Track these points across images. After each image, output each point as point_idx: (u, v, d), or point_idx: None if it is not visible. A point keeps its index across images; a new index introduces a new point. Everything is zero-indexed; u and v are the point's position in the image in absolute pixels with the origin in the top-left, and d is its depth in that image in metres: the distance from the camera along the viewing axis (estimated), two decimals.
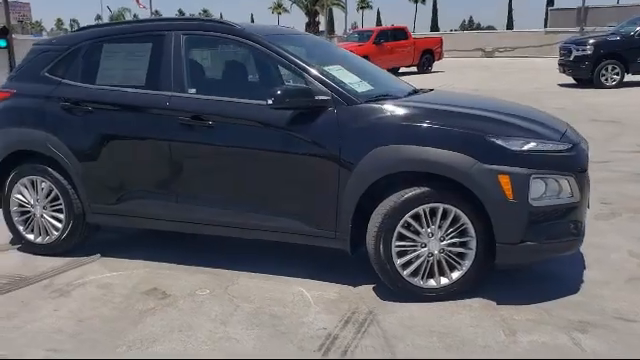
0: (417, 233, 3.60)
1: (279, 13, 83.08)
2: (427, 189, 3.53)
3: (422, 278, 3.65)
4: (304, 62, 3.94)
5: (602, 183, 5.94)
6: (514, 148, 3.46)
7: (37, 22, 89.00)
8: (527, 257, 3.61)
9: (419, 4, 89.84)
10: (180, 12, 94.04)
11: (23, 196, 4.58)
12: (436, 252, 3.61)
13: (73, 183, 4.40)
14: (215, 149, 4.00)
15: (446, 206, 3.54)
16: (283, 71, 4.36)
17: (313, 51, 4.33)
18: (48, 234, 4.56)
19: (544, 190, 3.47)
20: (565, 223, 3.57)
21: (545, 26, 52.41)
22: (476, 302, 3.63)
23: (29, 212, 4.60)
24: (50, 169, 4.45)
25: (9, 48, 12.92)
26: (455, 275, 3.64)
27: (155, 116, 4.13)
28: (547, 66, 24.01)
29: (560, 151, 3.58)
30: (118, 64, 4.49)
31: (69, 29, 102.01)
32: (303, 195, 3.83)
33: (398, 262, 3.62)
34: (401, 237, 3.60)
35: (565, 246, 3.63)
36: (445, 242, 3.60)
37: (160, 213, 4.21)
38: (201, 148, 4.03)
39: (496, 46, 33.29)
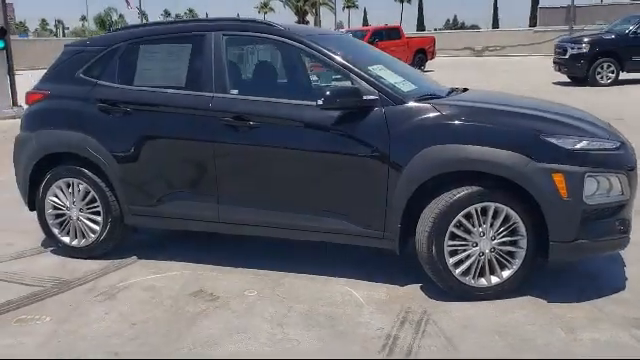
0: (469, 232, 3.62)
1: (265, 12, 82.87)
2: (479, 188, 3.55)
3: (473, 277, 3.66)
4: (349, 62, 3.94)
5: None
6: (567, 146, 3.49)
7: (21, 22, 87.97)
8: (578, 255, 3.65)
9: (405, 3, 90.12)
10: (166, 12, 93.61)
11: (58, 199, 4.53)
12: (487, 251, 3.63)
13: (111, 185, 4.36)
14: (260, 150, 3.98)
15: (498, 205, 3.56)
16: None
17: (353, 51, 4.31)
18: (85, 237, 4.52)
19: (596, 188, 3.50)
20: (615, 221, 3.61)
21: (530, 25, 52.82)
22: (526, 300, 3.65)
23: (64, 215, 4.55)
24: (87, 171, 4.40)
25: (7, 49, 12.72)
26: (505, 274, 3.66)
27: (197, 117, 4.10)
28: (539, 64, 24.29)
29: (610, 149, 3.61)
30: (156, 65, 4.45)
31: (54, 30, 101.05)
32: (351, 195, 3.83)
33: (450, 261, 3.63)
34: (453, 236, 3.61)
35: (615, 244, 3.67)
36: (496, 241, 3.62)
37: (202, 214, 4.19)
38: (245, 149, 4.01)
39: (485, 45, 33.56)
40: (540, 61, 26.81)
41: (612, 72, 16.54)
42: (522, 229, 3.59)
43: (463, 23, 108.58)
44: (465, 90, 4.53)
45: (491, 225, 3.60)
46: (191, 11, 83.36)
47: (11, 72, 12.89)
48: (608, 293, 3.72)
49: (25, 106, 4.81)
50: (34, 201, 4.63)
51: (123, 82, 4.39)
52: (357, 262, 4.29)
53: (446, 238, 3.60)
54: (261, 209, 4.03)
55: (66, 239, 4.57)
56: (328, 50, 4.01)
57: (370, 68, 4.00)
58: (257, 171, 4.03)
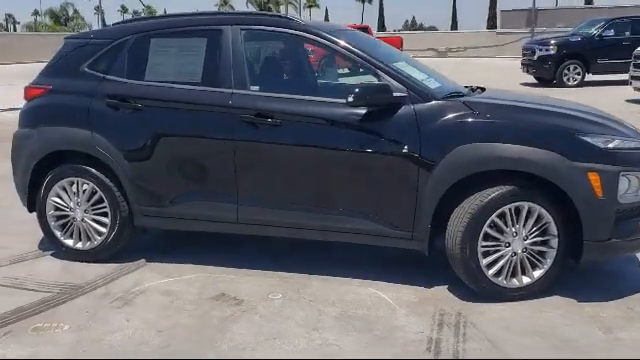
0: (501, 232, 3.57)
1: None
2: (513, 187, 3.50)
3: (505, 278, 3.61)
4: (376, 58, 3.85)
5: None
6: (602, 145, 3.48)
7: None
8: (611, 254, 3.66)
9: (366, 4, 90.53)
10: (122, 8, 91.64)
11: (61, 199, 4.30)
12: (519, 251, 3.58)
13: (120, 184, 4.15)
14: (282, 148, 3.85)
15: (531, 204, 3.52)
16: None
17: (374, 47, 4.21)
18: (90, 239, 4.29)
19: (627, 187, 3.50)
20: None
21: (488, 26, 53.74)
22: (557, 300, 3.63)
23: (67, 216, 4.32)
24: (93, 170, 4.18)
25: None
26: (537, 274, 3.62)
27: (214, 114, 3.94)
28: (504, 66, 24.68)
29: (639, 149, 3.61)
30: (169, 59, 4.23)
31: (4, 24, 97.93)
32: (378, 195, 3.73)
33: (483, 262, 3.57)
34: (486, 237, 3.55)
35: None
36: (528, 241, 3.58)
37: (219, 215, 4.02)
38: (266, 147, 3.87)
39: (448, 46, 33.92)
40: (505, 62, 27.26)
41: (578, 74, 16.95)
42: (554, 228, 3.55)
43: (421, 24, 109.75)
44: (483, 89, 4.48)
45: (523, 225, 3.56)
46: (148, 7, 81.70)
47: None
48: (633, 292, 3.72)
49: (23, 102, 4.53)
50: (34, 202, 4.38)
51: (133, 77, 4.18)
52: (377, 263, 4.20)
53: (480, 239, 3.53)
54: (284, 209, 3.89)
55: (69, 242, 4.33)
56: (353, 46, 3.90)
57: (396, 64, 3.91)
58: (280, 170, 3.89)
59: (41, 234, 4.57)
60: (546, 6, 37.72)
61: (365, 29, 24.83)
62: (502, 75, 20.41)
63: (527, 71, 18.01)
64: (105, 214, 4.23)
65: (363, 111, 3.68)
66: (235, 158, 3.90)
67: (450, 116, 3.63)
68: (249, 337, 3.23)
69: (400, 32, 45.32)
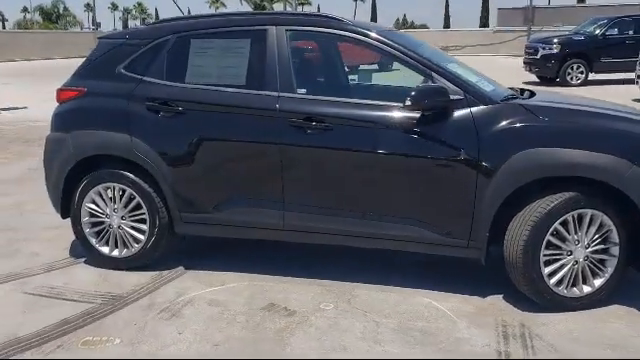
0: (564, 240, 3.46)
1: (217, 7, 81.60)
2: (576, 194, 3.39)
3: (566, 287, 3.51)
4: (430, 60, 3.73)
5: None
6: None
7: None
8: None
9: (358, 2, 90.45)
10: (113, 5, 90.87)
11: (97, 205, 4.15)
12: (581, 260, 3.48)
13: (160, 190, 4.01)
14: (332, 153, 3.71)
15: (594, 212, 3.41)
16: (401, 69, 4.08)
17: (423, 48, 4.08)
18: (127, 247, 4.15)
19: None
20: None
21: (480, 25, 53.80)
22: (617, 309, 3.53)
23: (103, 223, 4.17)
24: (132, 175, 4.04)
25: None
26: (597, 282, 3.52)
27: (260, 118, 3.80)
28: (504, 64, 24.65)
29: None
30: (210, 61, 4.08)
31: None
32: (433, 201, 3.62)
33: (545, 271, 3.46)
34: (548, 245, 3.44)
35: None
36: (590, 249, 3.47)
37: (265, 221, 3.88)
38: (316, 152, 3.74)
39: (445, 45, 33.81)
40: (504, 61, 27.28)
41: (581, 73, 16.95)
42: (615, 236, 3.46)
43: (412, 22, 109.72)
44: (532, 92, 4.34)
45: (586, 232, 3.45)
46: (140, 4, 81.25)
47: None
48: None
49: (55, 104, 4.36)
50: (67, 208, 4.22)
51: (172, 79, 4.03)
52: (424, 271, 4.09)
53: (542, 247, 3.42)
54: (333, 216, 3.77)
55: (105, 249, 4.19)
56: (405, 47, 3.77)
57: (449, 66, 3.79)
58: (329, 175, 3.76)
59: (70, 240, 4.44)
60: (540, 4, 37.71)
61: None
62: (503, 73, 20.33)
63: (530, 70, 17.99)
64: (143, 221, 4.09)
65: (418, 115, 3.56)
66: (282, 163, 3.77)
67: (510, 120, 3.51)
68: (311, 351, 3.10)
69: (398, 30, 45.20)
